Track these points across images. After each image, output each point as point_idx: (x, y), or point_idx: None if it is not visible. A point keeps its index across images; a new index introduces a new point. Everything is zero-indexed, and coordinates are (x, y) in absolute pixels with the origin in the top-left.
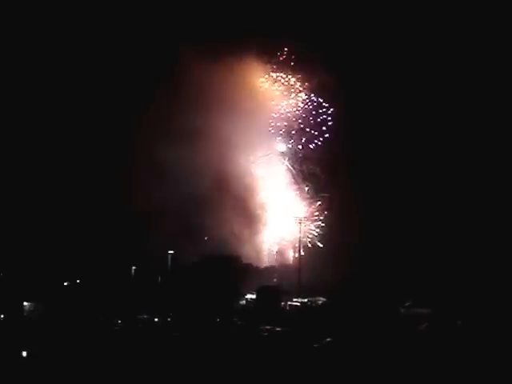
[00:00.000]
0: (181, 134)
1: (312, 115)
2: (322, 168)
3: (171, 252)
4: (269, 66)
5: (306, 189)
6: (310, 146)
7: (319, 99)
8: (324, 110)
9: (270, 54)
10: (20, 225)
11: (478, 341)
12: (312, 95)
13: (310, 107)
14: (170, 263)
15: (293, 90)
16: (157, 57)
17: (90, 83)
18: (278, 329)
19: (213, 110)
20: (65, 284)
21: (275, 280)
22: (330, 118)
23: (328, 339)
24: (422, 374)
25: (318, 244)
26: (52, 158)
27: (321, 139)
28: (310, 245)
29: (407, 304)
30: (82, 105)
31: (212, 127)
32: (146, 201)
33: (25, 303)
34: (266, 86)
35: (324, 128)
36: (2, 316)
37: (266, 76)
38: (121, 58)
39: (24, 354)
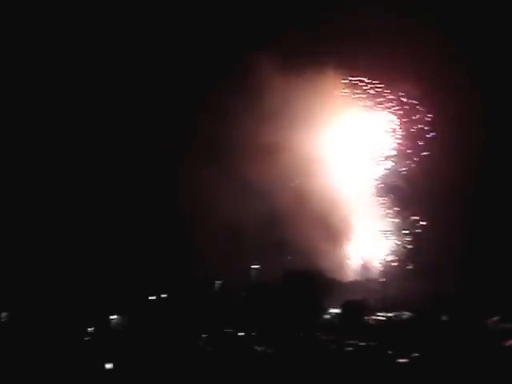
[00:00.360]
0: (262, 148)
1: (396, 129)
2: (406, 180)
3: (255, 266)
4: (349, 80)
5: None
6: (394, 161)
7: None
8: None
9: (350, 67)
10: (104, 237)
11: None
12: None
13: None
14: (253, 278)
15: (378, 104)
16: (235, 68)
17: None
18: (362, 343)
19: (293, 124)
20: (150, 298)
21: (360, 295)
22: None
23: (414, 354)
24: None
25: (403, 257)
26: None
27: (404, 155)
28: (394, 260)
29: (495, 318)
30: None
31: (293, 141)
32: (228, 217)
33: (112, 316)
34: (349, 100)
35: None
36: (91, 329)
37: (348, 90)
38: (201, 67)
39: (108, 366)
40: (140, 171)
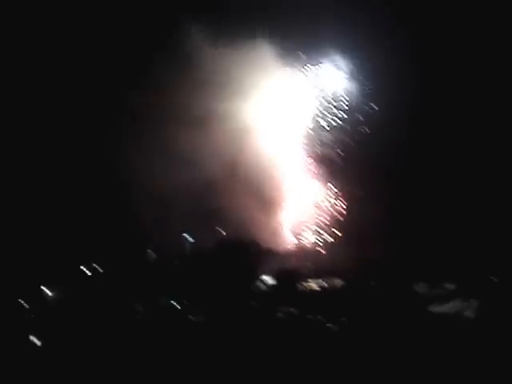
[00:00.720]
0: (194, 118)
1: (327, 99)
2: (337, 150)
3: (186, 235)
4: (282, 50)
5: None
6: (326, 130)
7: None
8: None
9: (283, 38)
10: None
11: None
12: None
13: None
14: (186, 247)
15: (307, 73)
16: (167, 38)
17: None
18: (294, 310)
19: (225, 94)
20: (82, 268)
21: (292, 262)
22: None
23: (342, 319)
24: (436, 355)
25: (335, 226)
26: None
27: (337, 123)
28: (327, 226)
29: (426, 283)
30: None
31: (226, 111)
32: (160, 186)
33: (44, 289)
34: (281, 70)
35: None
36: (23, 301)
37: (281, 60)
38: (132, 37)
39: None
40: (71, 143)
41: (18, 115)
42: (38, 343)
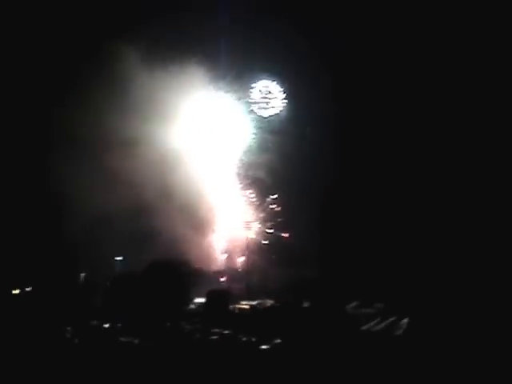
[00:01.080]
0: (127, 140)
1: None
2: (267, 172)
3: (119, 258)
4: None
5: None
6: (255, 152)
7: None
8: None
9: (215, 61)
10: None
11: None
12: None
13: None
14: (117, 269)
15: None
16: (99, 62)
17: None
18: (226, 331)
19: (159, 117)
20: (14, 292)
21: (224, 284)
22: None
23: (277, 341)
24: (367, 372)
25: (265, 247)
26: None
27: (266, 145)
28: (258, 248)
29: (354, 304)
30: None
31: (158, 134)
32: (93, 208)
33: None
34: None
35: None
36: None
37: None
38: (65, 60)
39: None
40: (7, 165)
41: None
42: None
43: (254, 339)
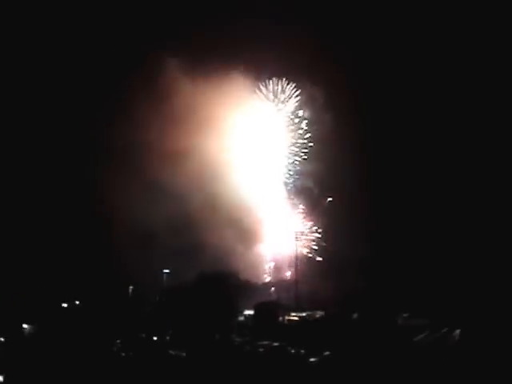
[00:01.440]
0: (173, 152)
1: (302, 129)
2: (316, 182)
3: (167, 271)
4: (257, 82)
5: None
6: (302, 162)
7: (309, 112)
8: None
9: (257, 70)
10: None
11: (476, 350)
12: (301, 109)
13: (301, 120)
14: (165, 282)
15: (282, 105)
16: (144, 73)
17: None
18: (275, 344)
19: (202, 128)
20: (63, 305)
21: (273, 295)
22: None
23: (326, 353)
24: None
25: (315, 258)
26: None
27: (312, 155)
28: (307, 259)
29: (405, 315)
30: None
31: (204, 145)
32: (141, 221)
33: (24, 325)
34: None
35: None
36: (2, 339)
37: (255, 92)
38: (110, 73)
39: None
40: (53, 180)
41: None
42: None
43: (302, 351)
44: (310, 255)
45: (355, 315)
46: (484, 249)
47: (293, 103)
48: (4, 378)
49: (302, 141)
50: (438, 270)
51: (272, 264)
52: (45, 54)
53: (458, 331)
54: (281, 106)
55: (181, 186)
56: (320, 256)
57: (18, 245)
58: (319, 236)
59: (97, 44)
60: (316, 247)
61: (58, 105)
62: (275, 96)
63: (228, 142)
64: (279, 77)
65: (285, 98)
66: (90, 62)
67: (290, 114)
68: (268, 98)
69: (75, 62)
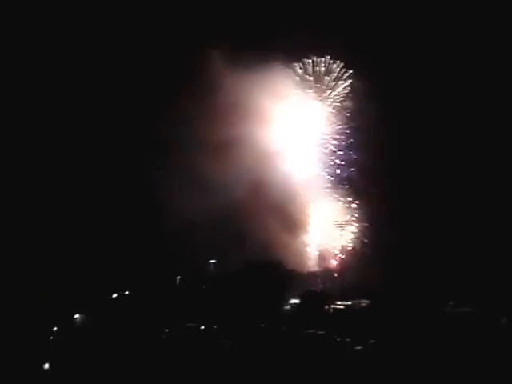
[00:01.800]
0: (215, 144)
1: (345, 119)
2: (359, 171)
3: (213, 261)
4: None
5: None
6: (346, 151)
7: (351, 102)
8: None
9: (298, 61)
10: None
11: None
12: (344, 100)
13: (343, 111)
14: (212, 271)
15: (324, 95)
16: (187, 66)
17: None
18: (321, 332)
19: (246, 119)
20: (113, 296)
21: (318, 284)
22: (363, 122)
23: (372, 341)
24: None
25: (360, 247)
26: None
27: (355, 144)
28: (352, 248)
29: (451, 303)
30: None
31: (247, 136)
32: (186, 212)
33: (76, 315)
34: (297, 93)
35: (358, 132)
36: (56, 328)
37: (297, 83)
38: (150, 65)
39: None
40: (98, 174)
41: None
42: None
43: (348, 340)
44: (355, 245)
45: (400, 303)
46: None
47: (338, 89)
48: (50, 366)
49: (346, 130)
50: (482, 257)
51: (317, 253)
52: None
53: (505, 318)
54: (326, 92)
55: (225, 177)
56: (365, 245)
57: (69, 235)
58: (363, 225)
59: (140, 40)
60: (360, 237)
61: (109, 97)
62: (319, 88)
63: (271, 132)
64: (323, 68)
65: (329, 83)
66: (136, 55)
67: (334, 106)
68: (312, 89)
69: (121, 55)
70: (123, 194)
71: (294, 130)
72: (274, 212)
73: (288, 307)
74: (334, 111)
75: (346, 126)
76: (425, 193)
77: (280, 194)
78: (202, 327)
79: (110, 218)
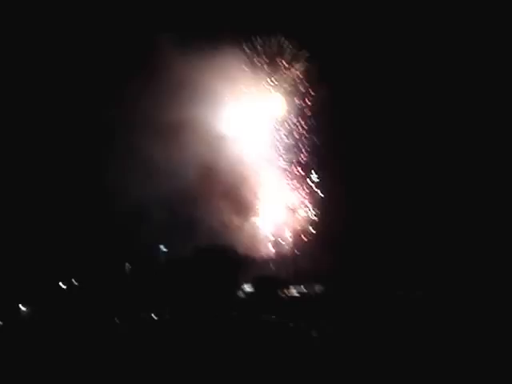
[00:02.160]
0: (164, 127)
1: (297, 103)
2: (311, 156)
3: (163, 246)
4: (249, 56)
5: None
6: (297, 134)
7: (302, 87)
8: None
9: (249, 44)
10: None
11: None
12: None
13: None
14: (163, 258)
15: (276, 78)
16: (133, 48)
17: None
18: (275, 318)
19: (196, 102)
20: (61, 285)
21: (272, 269)
22: (315, 105)
23: (326, 326)
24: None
25: (312, 231)
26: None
27: (307, 127)
28: (304, 232)
29: (404, 288)
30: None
31: (196, 119)
32: (133, 196)
33: (21, 307)
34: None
35: (310, 115)
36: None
37: (247, 65)
38: (96, 48)
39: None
40: (44, 158)
41: None
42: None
43: (302, 325)
44: (307, 229)
45: (354, 288)
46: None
47: (290, 77)
48: None
49: (297, 114)
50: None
51: (270, 237)
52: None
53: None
54: (277, 80)
55: (176, 160)
56: (317, 230)
57: (12, 225)
58: (315, 210)
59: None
60: (312, 221)
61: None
62: (271, 70)
63: (223, 116)
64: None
65: (282, 64)
66: (82, 37)
67: (286, 89)
68: (261, 72)
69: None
70: (69, 178)
71: (246, 113)
72: (224, 196)
73: (241, 293)
74: (286, 94)
75: (299, 109)
76: (377, 177)
77: (230, 177)
78: (155, 317)
79: (54, 203)
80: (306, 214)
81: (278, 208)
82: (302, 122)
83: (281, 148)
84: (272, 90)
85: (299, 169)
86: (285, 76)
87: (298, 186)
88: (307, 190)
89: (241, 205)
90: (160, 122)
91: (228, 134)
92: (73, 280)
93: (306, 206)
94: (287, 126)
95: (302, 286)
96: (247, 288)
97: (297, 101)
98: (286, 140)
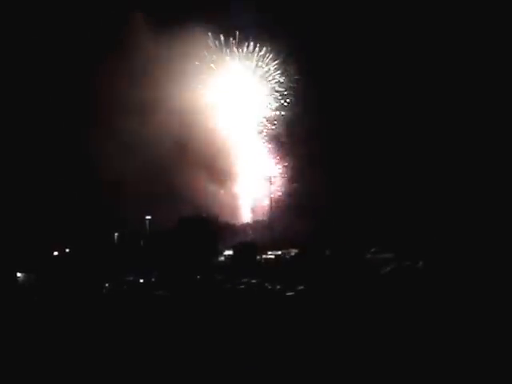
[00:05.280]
0: (139, 105)
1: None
2: (286, 127)
3: (149, 217)
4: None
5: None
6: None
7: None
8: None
9: (221, 25)
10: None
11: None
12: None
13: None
14: (148, 227)
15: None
16: (106, 28)
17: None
18: (253, 281)
19: (168, 81)
20: (54, 253)
21: (250, 236)
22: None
23: (300, 287)
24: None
25: (288, 199)
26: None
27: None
28: (280, 200)
29: (373, 250)
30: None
31: (170, 97)
32: (115, 171)
33: (18, 274)
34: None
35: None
36: None
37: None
38: (67, 28)
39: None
40: (26, 133)
41: None
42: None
43: (278, 287)
44: (283, 197)
45: (327, 251)
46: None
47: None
48: None
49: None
50: (404, 206)
51: (248, 205)
52: None
53: (421, 263)
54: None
55: (151, 135)
56: (293, 197)
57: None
58: (291, 178)
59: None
60: (289, 189)
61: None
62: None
63: (199, 92)
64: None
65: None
66: (59, 16)
67: (259, 65)
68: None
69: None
70: (49, 150)
71: (224, 90)
72: (202, 167)
73: (222, 258)
74: (261, 68)
75: (273, 85)
76: (349, 146)
77: (209, 148)
78: (141, 280)
79: (37, 180)
80: (282, 184)
81: (256, 178)
82: (278, 98)
83: (260, 121)
84: (248, 66)
85: (277, 140)
86: (260, 53)
87: (276, 158)
88: (284, 163)
89: (218, 175)
90: (133, 98)
91: (203, 108)
92: (66, 249)
93: (283, 177)
94: (261, 101)
95: (278, 251)
96: (228, 253)
97: (269, 77)
98: (265, 113)
